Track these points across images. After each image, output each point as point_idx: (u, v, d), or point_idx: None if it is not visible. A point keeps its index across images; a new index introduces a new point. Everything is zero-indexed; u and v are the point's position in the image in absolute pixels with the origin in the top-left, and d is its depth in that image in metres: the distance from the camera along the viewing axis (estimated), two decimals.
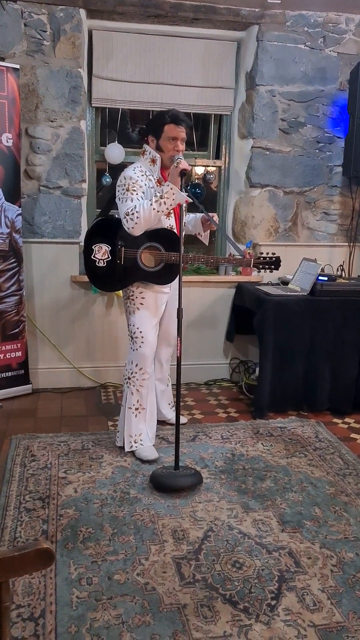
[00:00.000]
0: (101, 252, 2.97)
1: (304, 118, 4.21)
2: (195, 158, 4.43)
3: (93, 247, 2.97)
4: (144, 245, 2.92)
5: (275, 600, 2.01)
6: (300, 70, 4.13)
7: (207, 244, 3.37)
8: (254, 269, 3.13)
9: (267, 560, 2.23)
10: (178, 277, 2.80)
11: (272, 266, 3.15)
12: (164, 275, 2.95)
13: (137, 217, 2.77)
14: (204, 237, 3.24)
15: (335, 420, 3.72)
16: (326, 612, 1.97)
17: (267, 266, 3.15)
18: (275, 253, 3.20)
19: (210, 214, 3.15)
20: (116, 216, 3.06)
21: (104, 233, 2.97)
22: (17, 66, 3.62)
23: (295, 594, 2.05)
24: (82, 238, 3.84)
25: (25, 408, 3.77)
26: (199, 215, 3.21)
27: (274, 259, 3.16)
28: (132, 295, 3.00)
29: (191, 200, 2.91)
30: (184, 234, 3.08)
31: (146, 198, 2.84)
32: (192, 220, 3.27)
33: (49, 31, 3.75)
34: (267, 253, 3.21)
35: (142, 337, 3.00)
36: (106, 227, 2.98)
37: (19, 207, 3.77)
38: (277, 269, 3.17)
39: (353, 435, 3.49)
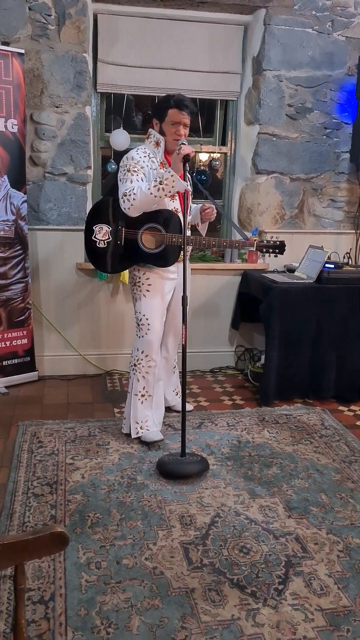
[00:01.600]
0: (102, 233, 2.97)
1: (311, 104, 4.17)
2: (201, 144, 4.40)
3: (94, 227, 2.97)
4: (145, 226, 2.91)
5: (282, 585, 2.02)
6: (307, 54, 4.08)
7: (204, 235, 3.30)
8: (259, 254, 3.13)
9: (274, 546, 2.24)
10: (183, 264, 2.79)
11: (277, 250, 3.14)
12: (164, 257, 2.94)
13: (133, 199, 2.77)
14: (202, 228, 3.21)
15: (340, 407, 3.72)
16: (333, 596, 1.98)
17: (271, 250, 3.14)
18: (279, 237, 3.19)
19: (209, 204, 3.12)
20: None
21: (105, 214, 2.97)
22: (22, 51, 3.59)
23: (303, 578, 2.06)
24: None
25: (32, 395, 3.78)
26: (198, 205, 3.19)
27: (278, 242, 3.15)
28: (139, 282, 3.00)
29: (190, 190, 2.90)
30: (189, 218, 3.06)
31: (148, 180, 2.83)
32: (192, 210, 3.25)
33: (53, 15, 3.71)
34: (272, 237, 3.20)
35: (149, 324, 3.00)
36: (107, 208, 2.98)
37: (25, 193, 3.76)
38: (282, 254, 3.16)
39: (359, 423, 3.49)
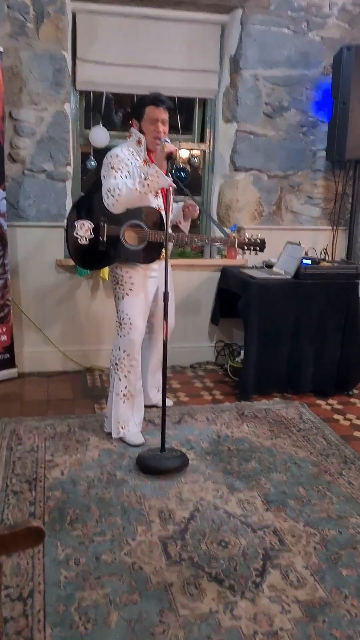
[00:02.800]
0: (83, 229, 2.96)
1: (287, 102, 4.21)
2: (180, 142, 4.42)
3: (75, 223, 2.97)
4: (127, 223, 2.92)
5: (260, 578, 2.06)
6: (284, 54, 4.12)
7: (187, 232, 3.33)
8: (238, 250, 3.15)
9: (252, 539, 2.28)
10: (165, 262, 2.80)
11: (257, 247, 3.18)
12: (147, 254, 2.95)
13: (117, 195, 2.77)
14: (184, 226, 3.23)
15: (318, 401, 3.78)
16: (309, 588, 2.02)
17: (251, 247, 3.17)
18: (259, 234, 3.22)
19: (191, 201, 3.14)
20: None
21: (87, 210, 2.97)
22: (1, 49, 3.56)
23: (280, 571, 2.10)
24: None
25: (11, 392, 3.77)
26: (180, 203, 3.21)
27: (259, 240, 3.18)
28: (122, 281, 3.00)
29: (175, 186, 2.92)
30: (171, 216, 3.09)
31: (132, 177, 2.84)
32: (174, 208, 3.26)
33: (32, 13, 3.69)
34: (252, 235, 3.23)
35: (131, 323, 3.01)
36: (89, 204, 2.98)
37: (3, 190, 3.74)
38: (262, 251, 3.19)
39: (336, 416, 3.55)
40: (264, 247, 3.18)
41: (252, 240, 3.18)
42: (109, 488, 2.61)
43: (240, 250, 3.28)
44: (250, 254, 3.25)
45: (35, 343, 4.12)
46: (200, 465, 2.84)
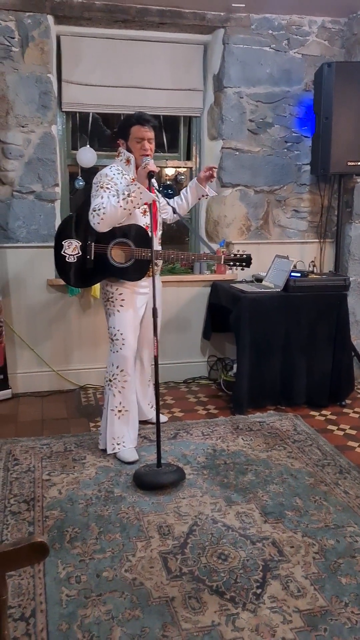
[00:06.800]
0: (71, 248, 3.00)
1: (271, 118, 4.29)
2: (166, 160, 4.48)
3: (63, 242, 3.01)
4: (114, 241, 2.96)
5: (260, 589, 2.07)
6: (266, 72, 4.21)
7: (190, 204, 3.34)
8: (226, 266, 3.21)
9: (252, 551, 2.29)
10: (152, 278, 2.84)
11: (244, 263, 3.22)
12: (134, 271, 2.99)
13: (103, 213, 2.82)
14: (209, 191, 3.28)
15: (312, 412, 3.80)
16: (310, 597, 2.03)
17: (238, 263, 3.22)
18: (246, 251, 3.27)
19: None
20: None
21: (75, 229, 3.01)
22: None
23: (280, 581, 2.11)
24: None
25: (6, 413, 3.77)
26: (190, 186, 3.25)
27: (245, 256, 3.23)
28: (112, 297, 3.04)
29: (158, 201, 2.97)
30: (160, 231, 3.14)
31: (118, 195, 2.88)
32: (185, 195, 3.28)
33: (17, 37, 3.76)
34: (239, 251, 3.28)
35: (123, 338, 3.04)
36: (76, 223, 3.02)
37: None
38: (248, 266, 3.24)
39: (330, 427, 3.58)
40: (250, 262, 3.23)
41: (239, 256, 3.23)
42: (107, 505, 2.61)
43: (228, 267, 3.34)
44: (237, 269, 3.30)
45: (29, 363, 4.12)
46: (197, 480, 2.85)
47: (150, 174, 2.86)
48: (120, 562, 2.21)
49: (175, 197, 3.35)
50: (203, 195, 3.29)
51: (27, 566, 1.14)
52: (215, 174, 3.23)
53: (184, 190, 3.31)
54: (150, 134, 2.97)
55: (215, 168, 3.24)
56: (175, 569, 2.17)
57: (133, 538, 2.37)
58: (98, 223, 2.86)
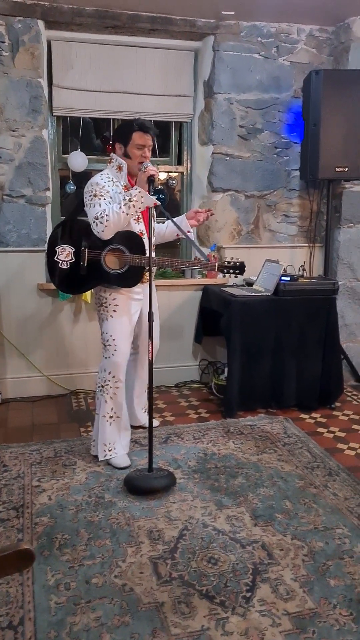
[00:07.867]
0: (64, 254, 3.00)
1: (261, 124, 4.32)
2: (158, 164, 4.49)
3: (56, 248, 3.00)
4: (108, 247, 2.96)
5: (250, 592, 2.07)
6: (255, 78, 4.24)
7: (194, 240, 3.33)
8: (218, 272, 3.21)
9: (242, 555, 2.29)
10: (149, 284, 2.84)
11: (237, 271, 3.23)
12: (128, 277, 2.99)
13: (106, 221, 2.82)
14: (191, 233, 3.26)
15: (302, 415, 3.82)
16: (299, 600, 2.04)
17: (231, 270, 3.23)
18: (240, 258, 3.27)
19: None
20: (79, 218, 3.09)
21: (68, 235, 3.00)
22: None
23: (269, 584, 2.12)
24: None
25: None
26: (182, 216, 3.24)
27: (238, 264, 3.23)
28: (105, 303, 3.03)
29: (159, 203, 2.98)
30: (153, 240, 3.14)
31: (114, 203, 2.89)
32: (164, 229, 3.29)
33: (7, 42, 3.76)
34: (232, 258, 3.28)
35: (116, 345, 3.03)
36: (70, 229, 3.02)
37: None
38: (242, 274, 3.24)
39: (319, 430, 3.60)
40: (244, 270, 3.22)
41: (232, 263, 3.23)
42: (97, 511, 2.61)
43: (221, 274, 3.34)
44: (230, 277, 3.31)
45: (18, 368, 4.11)
46: (188, 484, 2.86)
47: (151, 178, 2.87)
48: (110, 568, 2.21)
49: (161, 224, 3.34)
50: (181, 234, 3.22)
51: (14, 573, 1.14)
52: (202, 220, 3.23)
53: (168, 221, 3.25)
54: (151, 141, 2.98)
55: (212, 213, 3.26)
56: (165, 574, 2.18)
57: (123, 543, 2.36)
58: (102, 231, 2.85)
